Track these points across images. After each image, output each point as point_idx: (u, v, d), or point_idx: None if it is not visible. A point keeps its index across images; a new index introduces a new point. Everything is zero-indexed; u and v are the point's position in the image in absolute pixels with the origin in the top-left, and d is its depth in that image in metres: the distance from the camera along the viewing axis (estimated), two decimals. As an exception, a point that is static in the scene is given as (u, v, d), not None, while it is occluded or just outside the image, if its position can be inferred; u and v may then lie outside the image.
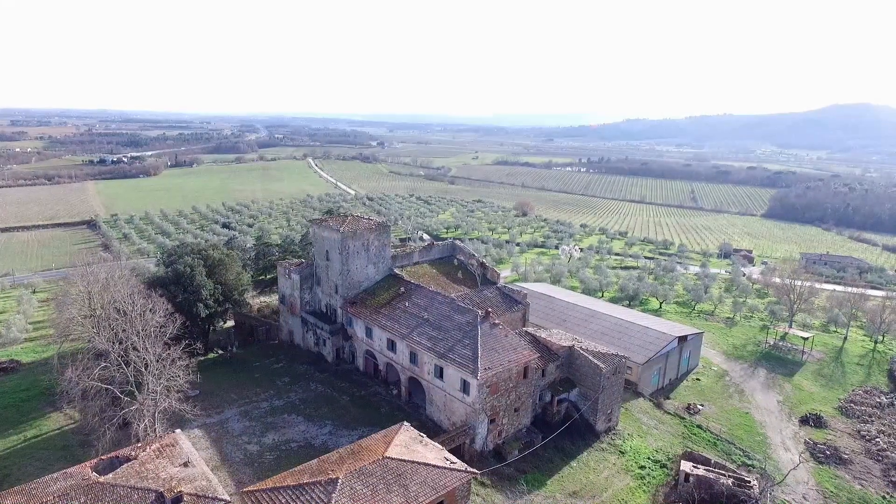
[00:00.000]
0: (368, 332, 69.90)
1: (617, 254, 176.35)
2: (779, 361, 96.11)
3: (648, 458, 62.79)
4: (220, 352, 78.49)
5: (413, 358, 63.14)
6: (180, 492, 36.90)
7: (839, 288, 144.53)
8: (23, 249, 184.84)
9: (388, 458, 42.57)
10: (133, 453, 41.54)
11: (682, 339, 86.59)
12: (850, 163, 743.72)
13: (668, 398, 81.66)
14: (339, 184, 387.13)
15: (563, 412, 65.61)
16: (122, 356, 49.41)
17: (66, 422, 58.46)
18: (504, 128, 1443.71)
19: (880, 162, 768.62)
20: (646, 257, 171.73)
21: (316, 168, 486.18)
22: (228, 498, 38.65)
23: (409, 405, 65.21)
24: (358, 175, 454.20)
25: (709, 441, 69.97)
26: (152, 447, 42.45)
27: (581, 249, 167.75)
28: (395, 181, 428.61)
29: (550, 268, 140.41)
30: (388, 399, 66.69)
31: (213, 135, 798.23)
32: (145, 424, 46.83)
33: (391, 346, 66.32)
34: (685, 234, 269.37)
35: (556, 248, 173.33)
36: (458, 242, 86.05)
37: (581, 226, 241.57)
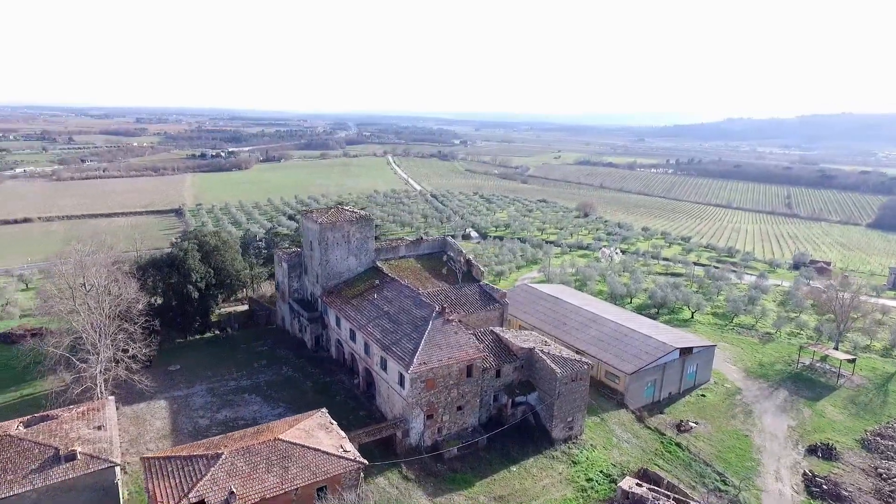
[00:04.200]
0: (338, 322, 71.84)
1: (666, 259, 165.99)
2: (808, 384, 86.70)
3: (600, 472, 59.51)
4: (217, 332, 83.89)
5: (367, 349, 64.23)
6: (74, 451, 40.62)
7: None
8: (117, 232, 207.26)
9: (279, 440, 44.02)
10: (60, 414, 46.16)
11: (686, 350, 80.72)
12: None
13: (662, 413, 76.61)
14: (410, 180, 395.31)
15: (519, 415, 63.79)
16: (84, 328, 54.79)
17: (58, 385, 65.32)
18: (594, 127, 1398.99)
19: None
20: (698, 264, 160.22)
21: (394, 165, 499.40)
22: (119, 462, 41.95)
23: (366, 395, 66.35)
24: (432, 172, 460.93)
25: (683, 461, 64.94)
26: (78, 410, 46.92)
27: (623, 253, 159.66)
28: (469, 179, 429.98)
29: (581, 270, 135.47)
30: (347, 388, 68.26)
31: (307, 132, 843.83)
32: (85, 388, 51.66)
33: (352, 336, 67.79)
34: (764, 243, 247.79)
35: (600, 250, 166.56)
36: (449, 238, 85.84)
37: (643, 229, 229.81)
